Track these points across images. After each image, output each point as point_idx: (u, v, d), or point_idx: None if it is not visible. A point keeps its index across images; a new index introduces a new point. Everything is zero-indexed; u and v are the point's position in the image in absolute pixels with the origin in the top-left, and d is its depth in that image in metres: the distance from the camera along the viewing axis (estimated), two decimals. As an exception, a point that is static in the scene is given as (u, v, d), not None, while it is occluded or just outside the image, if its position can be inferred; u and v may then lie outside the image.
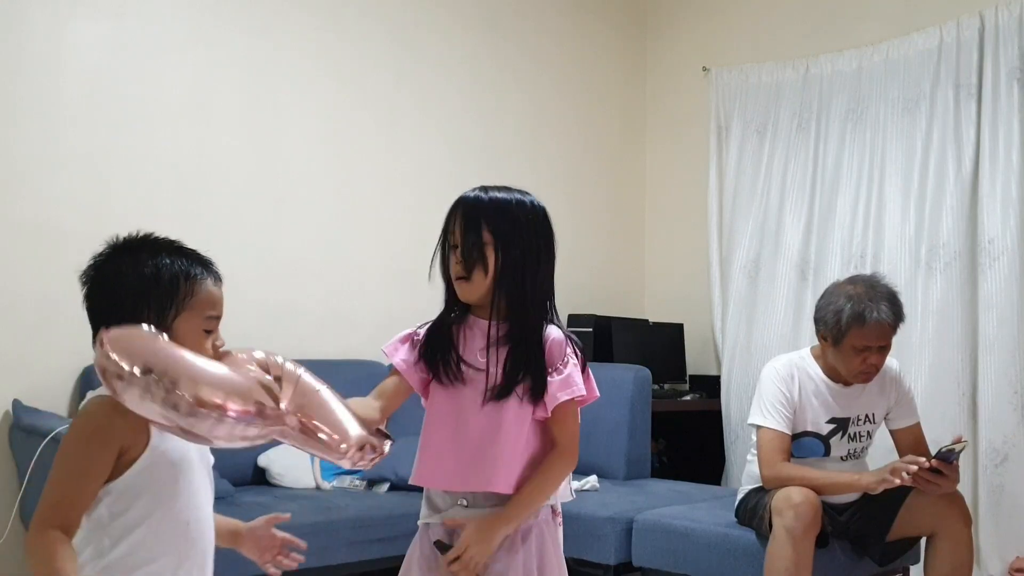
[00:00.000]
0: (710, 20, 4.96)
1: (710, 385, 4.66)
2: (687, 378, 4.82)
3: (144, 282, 1.50)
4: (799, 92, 4.48)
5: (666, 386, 4.62)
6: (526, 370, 1.72)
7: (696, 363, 4.87)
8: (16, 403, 3.08)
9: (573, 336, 1.83)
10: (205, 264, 1.63)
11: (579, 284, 4.85)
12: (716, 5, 4.95)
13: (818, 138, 4.41)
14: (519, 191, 1.82)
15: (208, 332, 1.59)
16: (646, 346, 4.61)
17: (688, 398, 4.58)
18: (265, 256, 3.74)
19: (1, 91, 3.16)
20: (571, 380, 1.76)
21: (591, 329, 4.47)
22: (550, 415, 1.76)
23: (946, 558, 2.82)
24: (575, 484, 3.50)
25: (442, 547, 1.72)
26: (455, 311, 1.81)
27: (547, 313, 1.80)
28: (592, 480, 3.59)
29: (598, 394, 1.84)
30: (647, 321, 4.88)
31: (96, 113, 3.34)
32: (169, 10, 3.52)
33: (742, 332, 4.55)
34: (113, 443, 1.43)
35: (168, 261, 1.56)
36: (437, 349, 1.77)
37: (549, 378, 1.74)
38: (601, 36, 5.03)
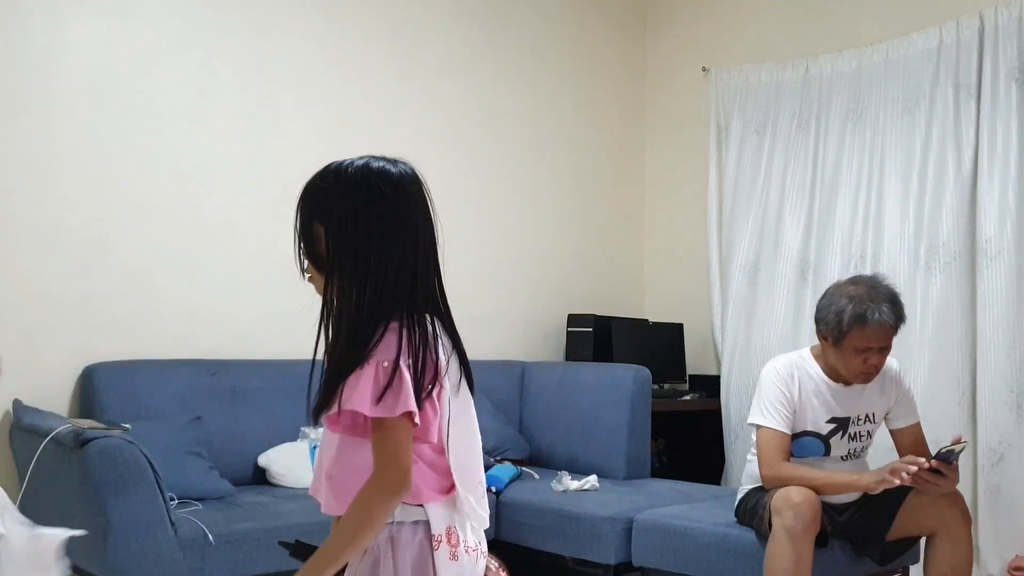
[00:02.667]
0: (710, 20, 4.96)
1: (710, 385, 4.66)
2: (687, 378, 4.82)
3: None
4: (799, 92, 4.48)
5: (666, 386, 4.62)
6: (338, 379, 1.45)
7: (696, 363, 4.87)
8: (16, 403, 3.08)
9: (414, 329, 1.48)
10: None
11: (579, 284, 4.85)
12: (716, 5, 4.95)
13: (818, 138, 4.41)
14: (373, 158, 1.52)
15: None
16: (646, 346, 4.62)
17: (688, 398, 4.58)
18: (265, 256, 3.74)
19: (2, 90, 3.16)
20: (348, 388, 1.44)
21: (591, 329, 4.48)
22: (344, 429, 1.48)
23: (946, 558, 2.82)
24: (574, 484, 3.53)
25: (287, 546, 1.60)
26: None
27: (390, 305, 1.47)
28: (592, 480, 3.59)
29: (410, 408, 1.42)
30: (647, 321, 4.88)
31: (96, 113, 3.35)
32: (169, 10, 3.52)
33: (742, 332, 4.55)
34: None
35: None
36: None
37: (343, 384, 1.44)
38: (601, 36, 5.03)
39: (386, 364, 1.43)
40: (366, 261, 1.46)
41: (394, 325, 1.46)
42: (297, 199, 1.52)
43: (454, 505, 1.55)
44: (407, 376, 1.43)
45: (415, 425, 1.44)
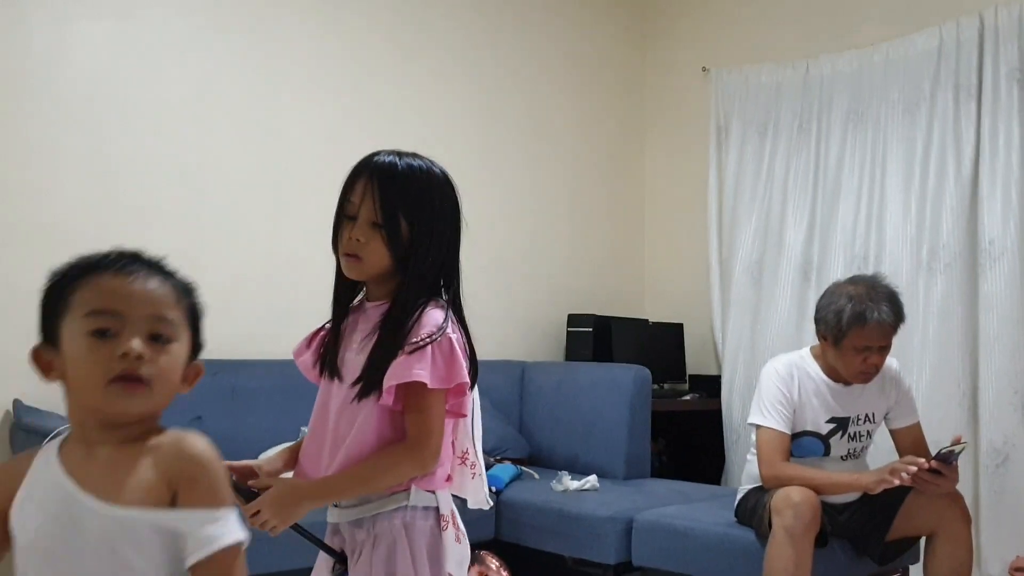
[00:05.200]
0: (710, 20, 4.96)
1: (710, 385, 4.66)
2: (687, 378, 4.83)
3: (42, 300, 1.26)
4: (799, 93, 4.48)
5: (666, 386, 4.62)
6: (391, 358, 1.52)
7: (696, 363, 4.87)
8: (17, 403, 3.08)
9: (452, 316, 1.61)
10: (104, 263, 1.21)
11: (579, 284, 4.85)
12: (716, 5, 4.95)
13: (819, 139, 4.40)
14: (425, 158, 1.66)
15: (98, 335, 1.15)
16: (646, 346, 4.62)
17: (688, 398, 4.59)
18: (267, 256, 3.75)
19: (2, 91, 3.16)
20: (408, 362, 1.50)
21: (591, 329, 4.48)
22: (393, 402, 1.53)
23: (945, 558, 2.82)
24: (574, 484, 3.53)
25: (239, 489, 1.56)
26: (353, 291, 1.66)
27: (438, 292, 1.61)
28: (592, 480, 3.59)
29: (464, 380, 1.55)
30: (647, 321, 4.88)
31: (97, 113, 3.35)
32: (170, 11, 3.52)
33: (746, 333, 4.55)
34: None
35: (66, 267, 1.25)
36: (329, 344, 1.62)
37: (395, 360, 1.51)
38: (601, 37, 5.03)
39: (440, 338, 1.52)
40: (437, 253, 1.60)
41: (441, 304, 1.58)
42: (379, 186, 1.59)
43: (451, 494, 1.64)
44: (459, 350, 1.54)
45: (463, 395, 1.55)
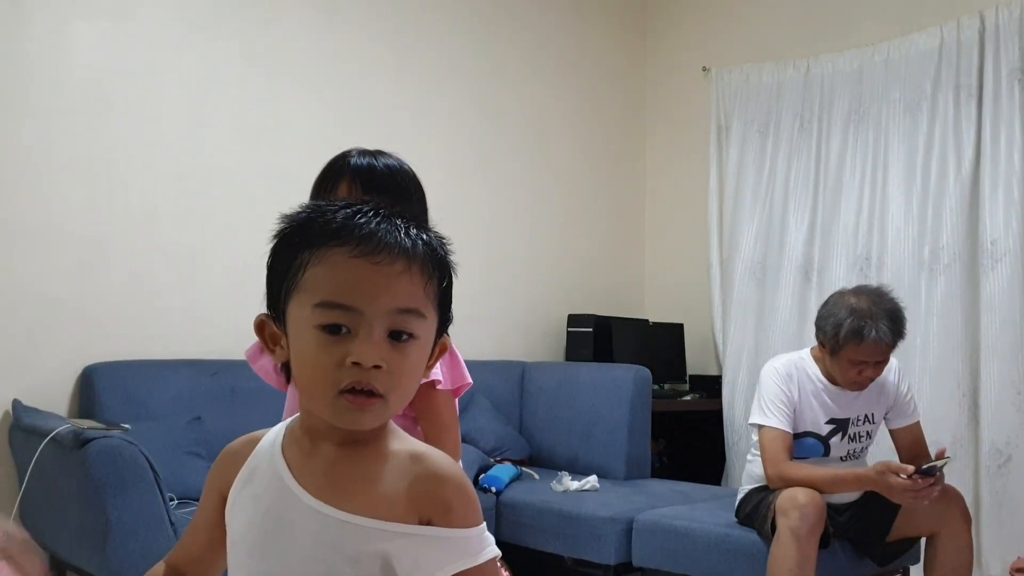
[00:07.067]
0: (710, 20, 4.96)
1: (710, 385, 4.66)
2: (687, 378, 4.82)
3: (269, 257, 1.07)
4: (800, 92, 4.47)
5: (666, 386, 4.62)
6: None
7: (696, 363, 4.87)
8: (16, 403, 3.08)
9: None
10: (347, 229, 0.98)
11: (579, 284, 4.85)
12: (716, 5, 4.94)
13: (820, 139, 4.40)
14: (393, 155, 1.72)
15: (329, 330, 0.96)
16: (646, 346, 4.61)
17: (688, 398, 4.58)
18: (265, 255, 3.74)
19: (1, 91, 3.16)
20: None
21: (591, 329, 4.47)
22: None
23: (946, 558, 2.82)
24: (574, 484, 3.53)
25: None
26: None
27: None
28: (592, 480, 3.59)
29: (469, 381, 1.59)
30: (647, 321, 4.87)
31: (96, 113, 3.34)
32: (169, 10, 3.52)
33: (748, 333, 4.54)
34: (212, 485, 1.12)
35: (300, 219, 1.04)
36: None
37: None
38: (601, 36, 5.03)
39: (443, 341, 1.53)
40: None
41: None
42: (363, 187, 1.64)
43: None
44: (457, 351, 1.56)
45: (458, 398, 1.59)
